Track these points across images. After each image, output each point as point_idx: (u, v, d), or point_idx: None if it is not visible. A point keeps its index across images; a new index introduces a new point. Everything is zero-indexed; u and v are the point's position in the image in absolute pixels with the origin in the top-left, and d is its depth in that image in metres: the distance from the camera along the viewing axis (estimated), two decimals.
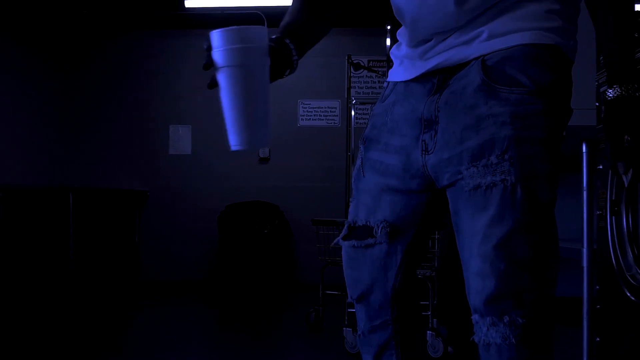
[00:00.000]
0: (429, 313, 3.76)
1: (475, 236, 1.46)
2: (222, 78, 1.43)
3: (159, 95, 7.50)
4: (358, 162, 1.73)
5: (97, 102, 7.55)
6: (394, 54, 1.76)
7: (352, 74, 5.89)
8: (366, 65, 6.52)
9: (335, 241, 1.76)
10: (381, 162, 1.64)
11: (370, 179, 1.67)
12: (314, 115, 7.36)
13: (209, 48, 1.50)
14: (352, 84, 5.92)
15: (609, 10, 1.50)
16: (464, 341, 4.21)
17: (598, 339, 2.61)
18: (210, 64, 1.51)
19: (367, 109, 7.10)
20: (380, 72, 6.54)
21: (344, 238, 1.72)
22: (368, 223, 1.66)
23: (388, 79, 1.75)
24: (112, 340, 4.20)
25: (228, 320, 5.24)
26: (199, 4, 6.61)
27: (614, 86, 1.48)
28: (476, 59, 1.51)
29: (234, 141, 1.45)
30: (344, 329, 3.81)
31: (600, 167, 2.63)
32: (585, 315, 2.68)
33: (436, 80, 1.58)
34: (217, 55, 1.43)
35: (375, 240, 1.64)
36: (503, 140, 1.43)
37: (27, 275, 5.69)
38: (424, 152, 1.56)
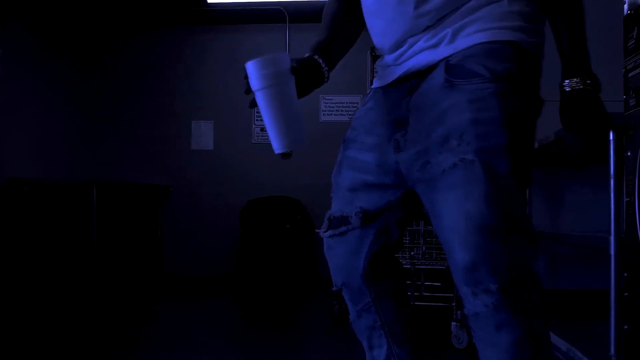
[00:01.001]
0: (454, 304, 3.75)
1: (449, 216, 1.53)
2: (258, 98, 1.70)
3: (182, 91, 7.54)
4: (338, 159, 1.89)
5: (121, 97, 7.60)
6: (377, 64, 1.91)
7: (374, 67, 5.89)
8: None
9: (318, 232, 1.89)
10: (358, 160, 1.80)
11: (348, 175, 1.82)
12: (336, 110, 7.37)
13: (246, 77, 1.71)
14: (374, 77, 5.91)
15: (559, 5, 1.64)
16: None
17: (626, 327, 2.60)
18: (249, 89, 1.72)
19: None
20: None
21: (325, 230, 1.88)
22: (343, 213, 1.82)
23: (371, 87, 1.91)
24: (135, 335, 4.22)
25: (251, 315, 5.25)
26: (222, 0, 6.63)
27: (569, 79, 1.61)
28: (442, 60, 1.63)
29: (276, 146, 1.70)
30: None
31: (629, 154, 2.62)
32: (613, 303, 2.66)
33: (409, 84, 1.73)
34: (252, 82, 1.70)
35: (348, 227, 1.80)
36: (461, 124, 1.54)
37: (52, 269, 5.75)
38: (396, 150, 1.71)
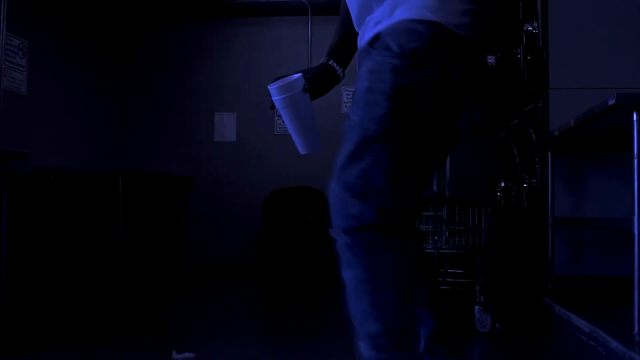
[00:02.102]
0: (477, 288, 3.78)
1: None
2: (282, 115, 2.04)
3: (205, 84, 7.60)
4: None
5: (146, 90, 7.68)
6: None
7: None
8: None
9: None
10: None
11: None
12: None
13: (270, 96, 2.01)
14: None
15: None
16: (512, 318, 4.23)
17: None
18: (273, 106, 2.06)
19: None
20: None
21: None
22: None
23: None
24: (158, 323, 4.27)
25: (273, 305, 5.29)
26: None
27: (492, 55, 1.69)
28: (378, 34, 1.80)
29: (300, 149, 2.10)
30: None
31: None
32: (636, 281, 2.69)
33: (361, 56, 1.95)
34: (275, 103, 2.03)
35: None
36: (360, 90, 1.77)
37: (78, 257, 5.82)
38: None
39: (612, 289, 4.15)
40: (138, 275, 6.02)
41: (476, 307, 3.72)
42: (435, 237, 4.02)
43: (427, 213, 4.03)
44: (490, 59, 1.66)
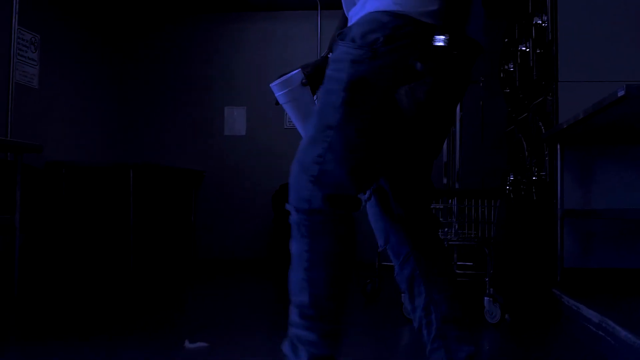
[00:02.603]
0: (487, 280, 3.80)
1: None
2: (286, 109, 2.13)
3: (215, 78, 7.63)
4: None
5: (156, 84, 7.71)
6: None
7: None
8: None
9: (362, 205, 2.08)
10: None
11: None
12: None
13: (273, 93, 2.08)
14: None
15: None
16: (521, 309, 4.25)
17: None
18: (278, 102, 2.11)
19: None
20: None
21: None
22: None
23: None
24: (169, 315, 4.30)
25: (284, 297, 5.32)
26: None
27: (443, 37, 1.73)
28: (351, 26, 1.90)
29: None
30: (403, 295, 3.87)
31: None
32: None
33: None
34: (277, 99, 2.11)
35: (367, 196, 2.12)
36: (325, 77, 1.89)
37: (89, 250, 5.86)
38: None
39: (621, 281, 4.17)
40: (149, 268, 6.07)
41: (486, 298, 3.75)
42: (445, 229, 4.05)
43: (437, 205, 4.05)
44: (439, 40, 1.71)
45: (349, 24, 1.98)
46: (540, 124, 4.62)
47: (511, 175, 5.47)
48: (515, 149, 5.44)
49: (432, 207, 4.02)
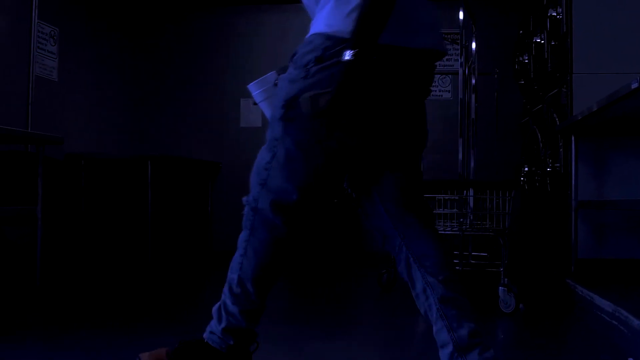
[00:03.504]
0: (501, 270, 3.85)
1: None
2: (261, 107, 2.32)
3: (231, 70, 7.68)
4: None
5: (172, 77, 7.77)
6: None
7: None
8: None
9: None
10: None
11: None
12: None
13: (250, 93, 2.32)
14: None
15: None
16: (535, 299, 4.30)
17: None
18: (255, 102, 2.35)
19: (435, 80, 7.16)
20: (449, 41, 6.56)
21: None
22: None
23: None
24: (187, 306, 4.35)
25: (299, 287, 5.37)
26: None
27: (349, 51, 1.83)
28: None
29: None
30: None
31: None
32: None
33: None
34: (254, 98, 2.32)
35: None
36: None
37: (107, 241, 5.94)
38: None
39: (634, 271, 4.20)
40: (166, 259, 6.14)
41: (500, 288, 3.79)
42: (460, 220, 4.09)
43: (453, 196, 4.10)
44: (348, 54, 1.81)
45: None
46: (555, 115, 4.66)
47: (526, 167, 5.50)
48: (530, 140, 5.47)
49: (447, 198, 4.08)
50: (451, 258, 2.17)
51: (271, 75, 2.26)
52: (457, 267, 4.06)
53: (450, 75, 7.18)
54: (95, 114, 6.86)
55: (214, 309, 2.26)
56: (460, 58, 4.58)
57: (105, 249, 5.94)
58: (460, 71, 4.57)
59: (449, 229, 4.14)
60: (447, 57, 7.29)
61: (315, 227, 6.75)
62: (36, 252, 4.34)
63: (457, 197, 4.10)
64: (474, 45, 4.71)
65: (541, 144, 5.06)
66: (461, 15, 4.52)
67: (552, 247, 4.73)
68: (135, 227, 5.96)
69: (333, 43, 1.96)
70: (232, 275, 2.21)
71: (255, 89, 2.31)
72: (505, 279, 3.81)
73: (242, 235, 2.18)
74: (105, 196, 6.06)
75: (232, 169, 7.55)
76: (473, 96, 4.67)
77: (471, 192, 4.10)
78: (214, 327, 2.25)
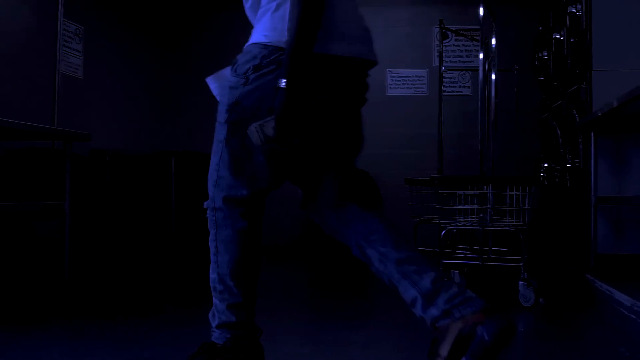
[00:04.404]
0: (521, 264, 3.89)
1: None
2: (218, 99, 2.38)
3: None
4: None
5: (196, 73, 7.78)
6: None
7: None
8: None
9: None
10: None
11: None
12: (402, 84, 7.51)
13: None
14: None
15: (290, 6, 2.09)
16: (555, 293, 4.34)
17: None
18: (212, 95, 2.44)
19: (455, 76, 7.22)
20: (468, 37, 6.60)
21: None
22: None
23: None
24: (209, 299, 4.43)
25: (322, 281, 5.43)
26: None
27: (284, 79, 2.05)
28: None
29: None
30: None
31: None
32: None
33: None
34: (212, 90, 2.43)
35: None
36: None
37: (132, 235, 6.03)
38: None
39: None
40: (189, 251, 6.21)
41: (520, 282, 3.84)
42: (480, 215, 4.14)
43: (473, 192, 4.15)
44: (282, 83, 2.05)
45: None
46: (574, 111, 4.69)
47: (545, 162, 5.53)
48: (550, 136, 5.50)
49: (467, 193, 4.13)
50: (396, 227, 2.27)
51: (226, 70, 2.36)
52: (477, 262, 4.12)
53: (469, 72, 7.22)
54: (119, 111, 6.96)
55: (210, 315, 2.40)
56: (480, 54, 4.62)
57: (129, 242, 6.03)
58: (481, 67, 4.61)
59: (469, 224, 4.19)
60: (467, 53, 7.36)
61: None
62: (64, 245, 4.44)
63: (477, 193, 4.15)
64: (493, 41, 4.75)
65: (561, 140, 5.09)
66: (481, 11, 4.56)
67: (572, 242, 4.77)
68: (159, 221, 6.05)
69: (269, 52, 2.16)
70: (212, 275, 2.35)
71: (212, 82, 2.45)
72: (525, 274, 3.85)
73: (210, 236, 2.36)
74: (130, 191, 6.15)
75: None
76: (493, 92, 4.71)
77: (491, 187, 4.14)
78: (213, 327, 2.38)
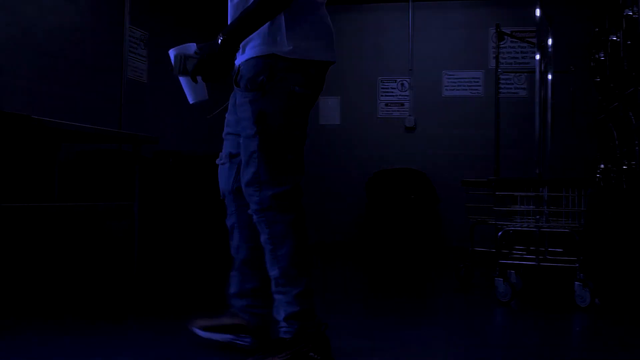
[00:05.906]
0: (577, 265, 3.95)
1: None
2: (180, 79, 2.66)
3: None
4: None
5: None
6: None
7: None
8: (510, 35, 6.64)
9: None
10: (227, 119, 2.86)
11: (224, 129, 2.87)
12: (458, 85, 7.58)
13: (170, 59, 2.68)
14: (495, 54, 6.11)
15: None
16: (611, 294, 4.38)
17: None
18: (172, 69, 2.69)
19: (510, 78, 7.27)
20: (525, 39, 6.64)
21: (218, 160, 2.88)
22: (223, 152, 2.85)
23: None
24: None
25: (378, 278, 5.52)
26: None
27: (224, 36, 2.43)
28: (239, 66, 2.55)
29: (188, 99, 2.77)
30: (496, 279, 4.06)
31: None
32: None
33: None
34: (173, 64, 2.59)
35: (223, 161, 2.83)
36: (239, 118, 2.59)
37: (196, 235, 6.19)
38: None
39: None
40: None
41: (576, 283, 3.90)
42: (537, 217, 4.21)
43: (529, 193, 4.22)
44: (220, 38, 2.45)
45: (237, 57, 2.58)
46: (631, 114, 4.71)
47: (601, 164, 5.55)
48: (606, 137, 5.51)
49: (524, 195, 4.20)
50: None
51: (191, 45, 2.54)
52: (534, 263, 4.18)
53: (525, 73, 7.26)
54: (182, 113, 7.15)
55: (274, 312, 2.54)
56: (537, 56, 4.67)
57: (193, 242, 6.19)
58: (537, 69, 4.65)
59: (526, 225, 4.27)
60: (522, 54, 7.40)
61: (395, 224, 6.90)
62: (134, 245, 4.63)
63: (533, 194, 4.22)
64: (550, 42, 4.81)
65: (617, 142, 5.11)
66: (537, 13, 4.61)
67: (629, 245, 4.79)
68: (222, 222, 6.19)
69: (275, 61, 2.44)
70: (273, 272, 2.50)
71: (173, 53, 2.60)
72: (581, 275, 3.91)
73: (263, 237, 2.52)
74: (193, 192, 6.32)
75: (312, 164, 7.64)
76: (550, 93, 4.76)
77: (547, 189, 4.20)
78: (280, 322, 2.51)
